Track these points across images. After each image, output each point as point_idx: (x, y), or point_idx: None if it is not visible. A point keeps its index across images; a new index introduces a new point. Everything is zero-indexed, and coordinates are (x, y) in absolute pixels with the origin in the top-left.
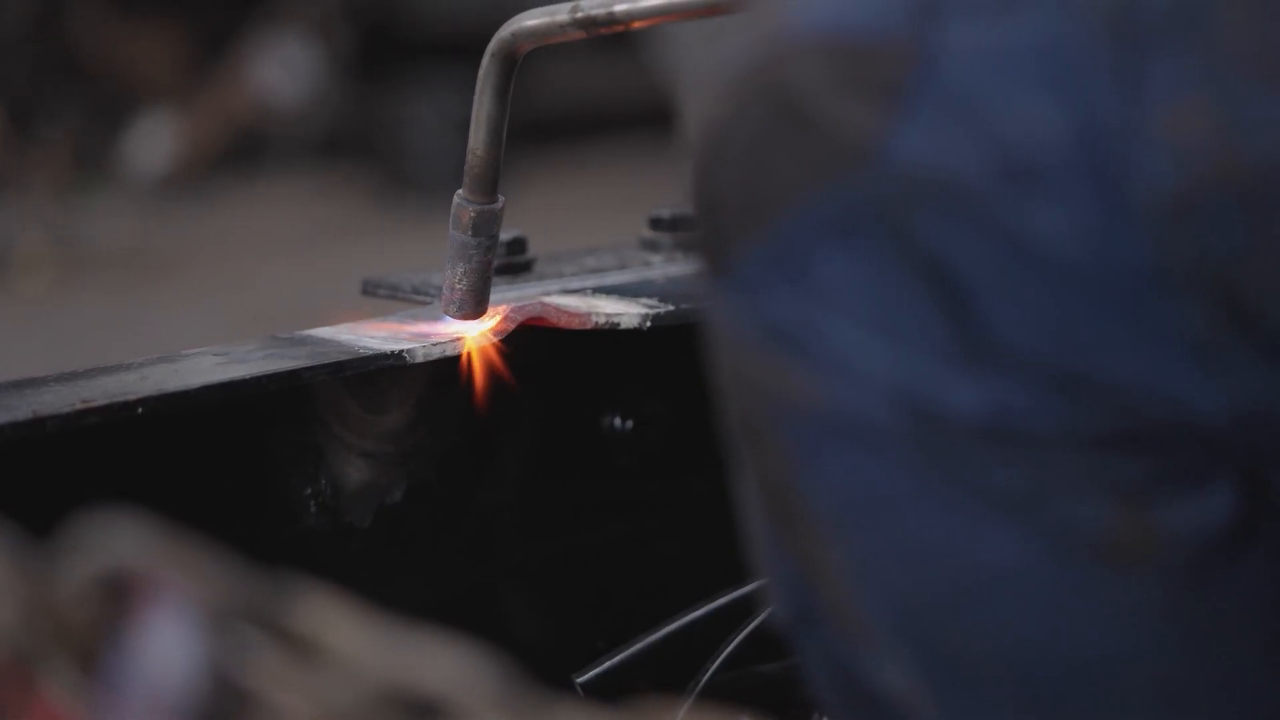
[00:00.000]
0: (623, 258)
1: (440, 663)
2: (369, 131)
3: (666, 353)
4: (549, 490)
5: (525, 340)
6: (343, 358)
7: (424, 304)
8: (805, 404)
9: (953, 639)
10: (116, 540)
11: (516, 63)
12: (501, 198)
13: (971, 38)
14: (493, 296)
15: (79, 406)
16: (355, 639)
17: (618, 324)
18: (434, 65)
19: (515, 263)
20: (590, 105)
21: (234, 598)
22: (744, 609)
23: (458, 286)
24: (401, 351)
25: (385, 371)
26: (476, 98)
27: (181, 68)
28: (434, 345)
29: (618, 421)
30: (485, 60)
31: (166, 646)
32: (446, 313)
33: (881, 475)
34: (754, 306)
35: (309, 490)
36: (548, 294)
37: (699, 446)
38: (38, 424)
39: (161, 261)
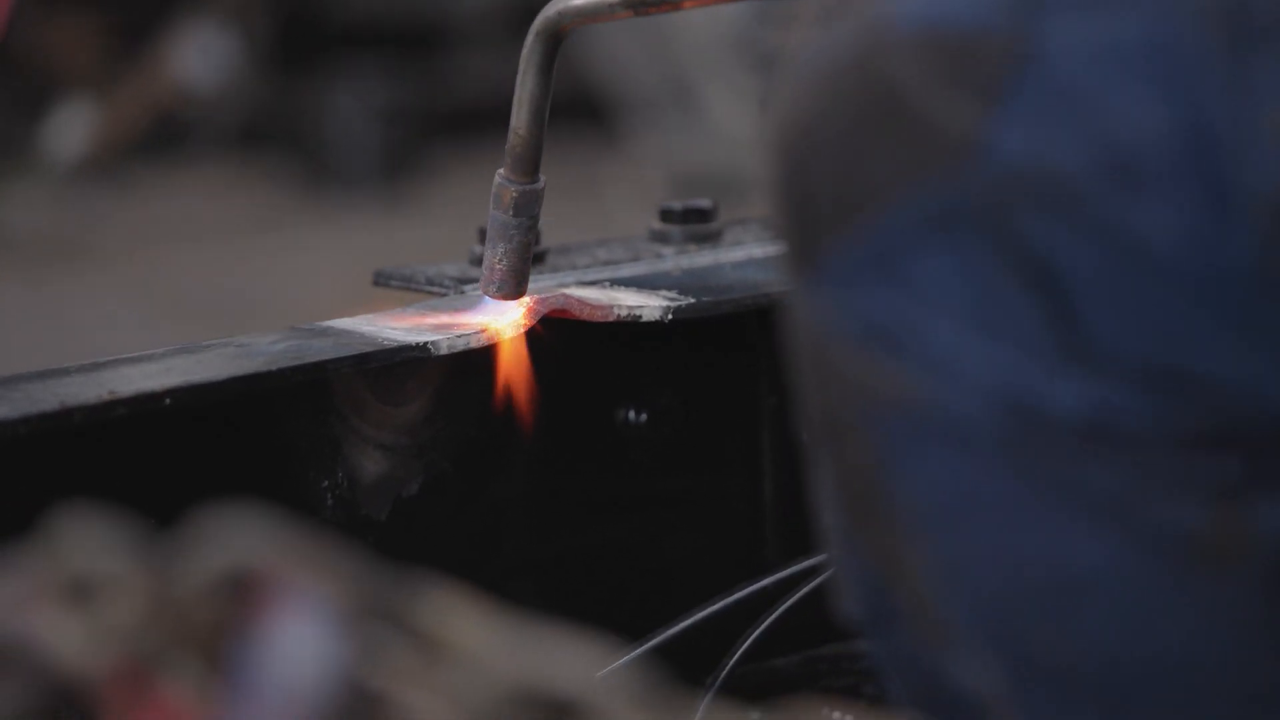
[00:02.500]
0: (634, 249)
1: (574, 661)
2: (290, 120)
3: (681, 345)
4: (563, 484)
5: (541, 332)
6: (367, 349)
7: (440, 295)
8: (899, 402)
9: (1039, 641)
10: (240, 536)
11: (561, 42)
12: (543, 178)
13: (1075, 32)
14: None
15: (107, 398)
16: (484, 637)
17: (639, 316)
18: (355, 54)
19: None
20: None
21: (361, 595)
22: (759, 603)
23: (498, 266)
24: (426, 343)
25: (403, 363)
26: (520, 77)
27: (100, 55)
28: (459, 337)
29: (632, 415)
30: (529, 39)
31: (296, 646)
32: (485, 292)
33: (975, 475)
34: (848, 302)
35: (326, 483)
36: (565, 286)
37: (713, 440)
38: (65, 415)
39: (79, 249)
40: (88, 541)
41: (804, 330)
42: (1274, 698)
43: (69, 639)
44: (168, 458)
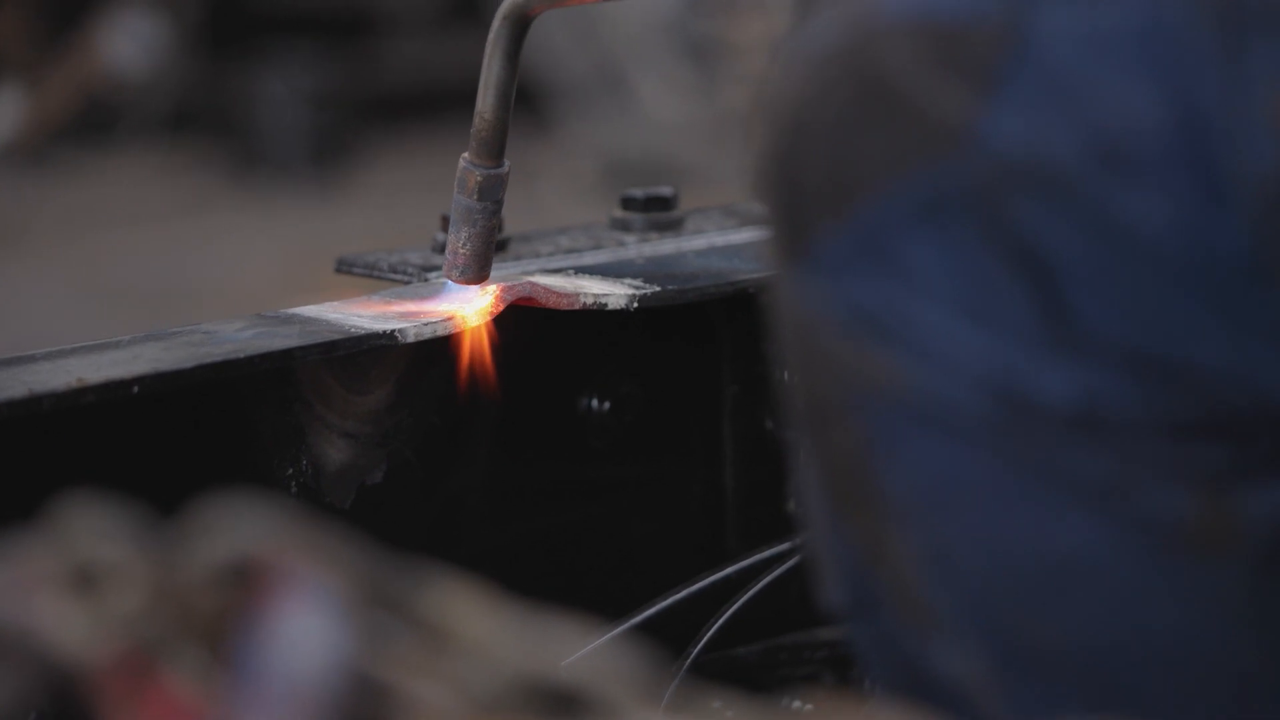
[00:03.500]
0: (596, 237)
1: (579, 650)
2: (220, 105)
3: (643, 333)
4: (525, 471)
5: (504, 320)
6: (335, 337)
7: (403, 282)
8: (888, 388)
9: (1026, 629)
10: (243, 524)
11: (528, 26)
12: (507, 162)
13: (1067, 21)
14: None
15: (75, 385)
16: (489, 627)
17: (605, 304)
18: (285, 39)
19: None
20: (440, 81)
21: (365, 584)
22: (721, 592)
23: (461, 251)
24: (393, 331)
25: (367, 351)
26: (486, 60)
27: (30, 40)
28: (425, 325)
29: (595, 403)
30: (496, 22)
31: (300, 635)
32: (449, 277)
33: (963, 462)
34: (837, 289)
35: (290, 470)
36: (528, 273)
37: (674, 428)
38: (34, 402)
39: (9, 234)
40: (90, 529)
41: (791, 316)
42: (1258, 684)
43: (71, 627)
44: (133, 445)
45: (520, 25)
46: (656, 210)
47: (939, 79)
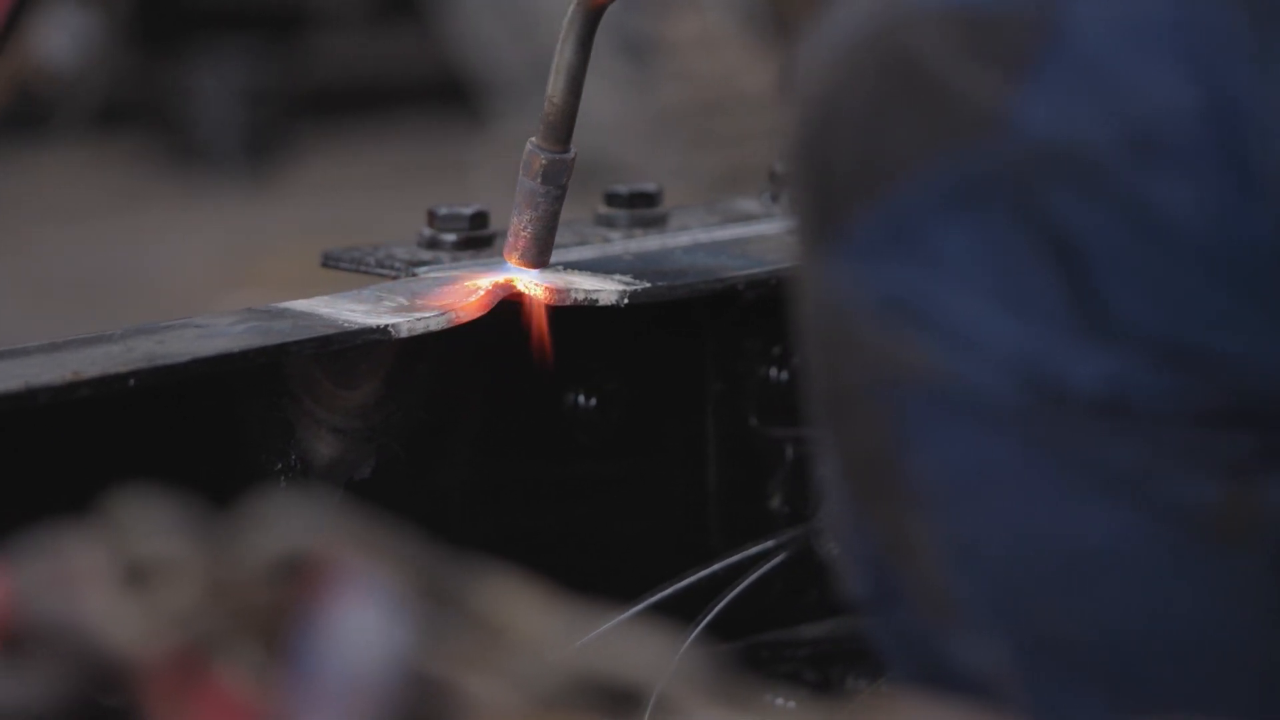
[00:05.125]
0: (581, 234)
1: (636, 648)
2: (152, 99)
3: (629, 330)
4: (511, 467)
5: (491, 316)
6: (329, 332)
7: (390, 278)
8: (917, 375)
9: (1050, 619)
10: (297, 520)
11: (601, 13)
12: (574, 149)
13: (1100, 8)
14: (462, 271)
15: (71, 378)
16: (543, 621)
17: (595, 300)
18: (217, 33)
19: (477, 237)
20: (374, 77)
21: (420, 579)
22: (704, 589)
23: (522, 234)
24: (387, 326)
25: (356, 347)
26: (559, 46)
27: None
28: (419, 320)
29: (581, 399)
30: (571, 9)
31: (357, 630)
32: (509, 259)
33: (991, 448)
34: (867, 275)
35: (279, 465)
36: (509, 267)
37: (659, 425)
38: (30, 395)
39: None
40: (144, 524)
41: (817, 303)
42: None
43: (123, 622)
44: (123, 438)
45: (594, 13)
46: (641, 207)
47: (971, 64)
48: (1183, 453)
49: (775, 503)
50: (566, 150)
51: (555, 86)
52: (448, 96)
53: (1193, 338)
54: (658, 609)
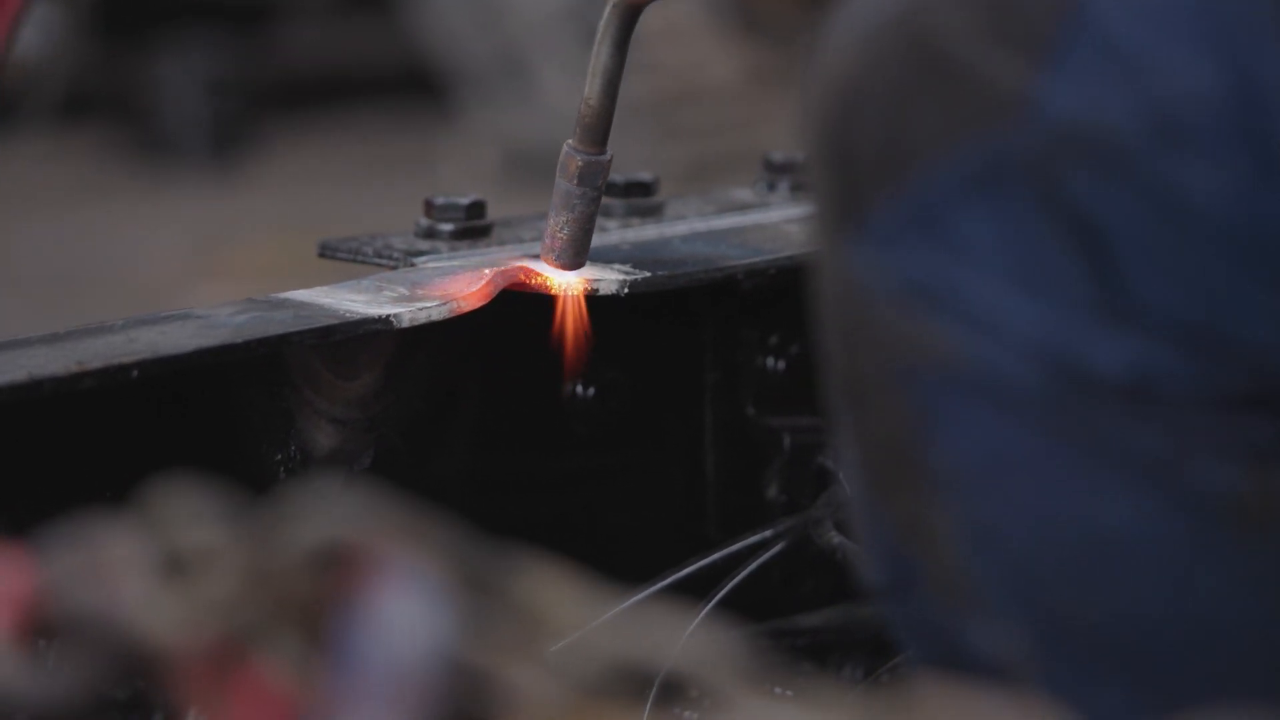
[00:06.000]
0: None
1: (677, 637)
2: (117, 91)
3: (628, 320)
4: (510, 457)
5: (490, 306)
6: (331, 322)
7: (389, 268)
8: (939, 360)
9: (1070, 605)
10: (337, 509)
11: (638, 15)
12: (610, 151)
13: None
14: (461, 261)
15: (75, 369)
16: (584, 611)
17: (597, 290)
18: (183, 24)
19: (474, 227)
20: (340, 68)
21: (461, 569)
22: (701, 579)
23: (559, 235)
24: (389, 316)
25: (355, 337)
26: (595, 47)
27: None
28: (420, 309)
29: (580, 389)
30: (607, 10)
31: (400, 620)
32: (544, 260)
33: (1014, 435)
34: (889, 261)
35: (279, 456)
36: (516, 259)
37: (658, 415)
38: (35, 385)
39: None
40: (183, 514)
41: (837, 288)
42: None
43: (161, 612)
44: (125, 429)
45: (630, 14)
46: (636, 196)
47: (995, 49)
48: (1205, 438)
49: (772, 492)
50: (603, 152)
51: (592, 88)
52: (414, 88)
53: (1216, 322)
54: (656, 598)
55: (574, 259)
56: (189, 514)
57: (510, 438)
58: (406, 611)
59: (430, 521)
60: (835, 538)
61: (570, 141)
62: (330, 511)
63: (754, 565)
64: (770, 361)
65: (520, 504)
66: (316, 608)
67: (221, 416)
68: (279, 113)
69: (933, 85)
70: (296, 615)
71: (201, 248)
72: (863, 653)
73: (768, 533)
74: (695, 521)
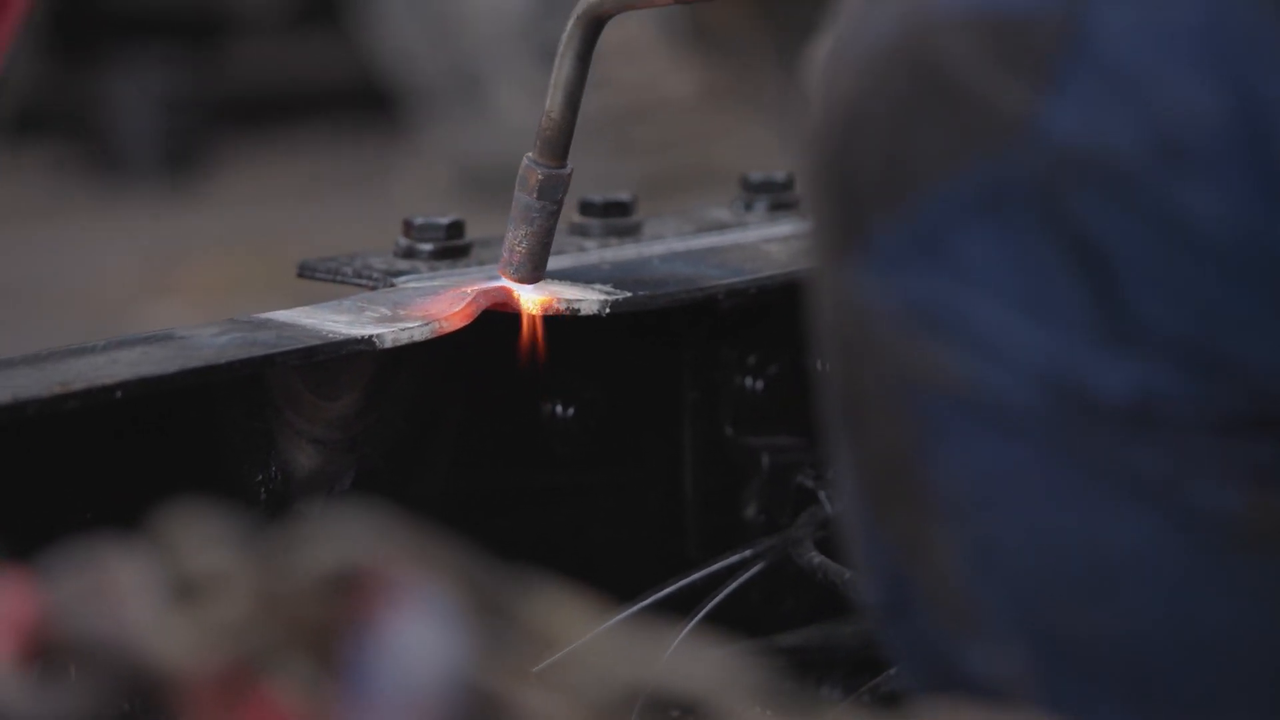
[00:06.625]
0: (556, 243)
1: (693, 661)
2: (70, 107)
3: (607, 339)
4: (490, 477)
5: (469, 325)
6: (314, 342)
7: (368, 288)
8: (942, 383)
9: (1072, 626)
10: (349, 533)
11: (601, 28)
12: (570, 165)
13: (1127, 14)
14: (443, 282)
15: (58, 390)
16: (599, 636)
17: (579, 310)
18: (136, 40)
19: (453, 247)
20: (293, 85)
21: (474, 592)
22: (681, 598)
23: (517, 249)
24: (371, 336)
25: (338, 357)
26: (557, 61)
27: None
28: (403, 330)
29: (559, 408)
30: (570, 23)
31: (414, 644)
32: (503, 274)
33: (1017, 458)
34: (892, 283)
35: (260, 477)
36: (497, 279)
37: (636, 434)
38: (19, 407)
39: None
40: (193, 537)
41: (838, 310)
42: None
43: (170, 636)
44: (104, 450)
45: (593, 27)
46: (615, 216)
47: (998, 71)
48: (1208, 460)
49: (751, 511)
50: (563, 165)
51: (553, 101)
52: (368, 105)
53: (1219, 345)
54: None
55: (532, 273)
56: (199, 537)
57: (490, 457)
58: (419, 635)
59: (441, 544)
60: (815, 557)
61: (530, 154)
62: (342, 535)
63: (735, 584)
64: (749, 381)
65: (500, 523)
66: (329, 632)
67: (202, 437)
68: (232, 129)
69: (935, 108)
70: (308, 639)
71: (155, 264)
72: (842, 672)
73: (748, 552)
74: (674, 540)
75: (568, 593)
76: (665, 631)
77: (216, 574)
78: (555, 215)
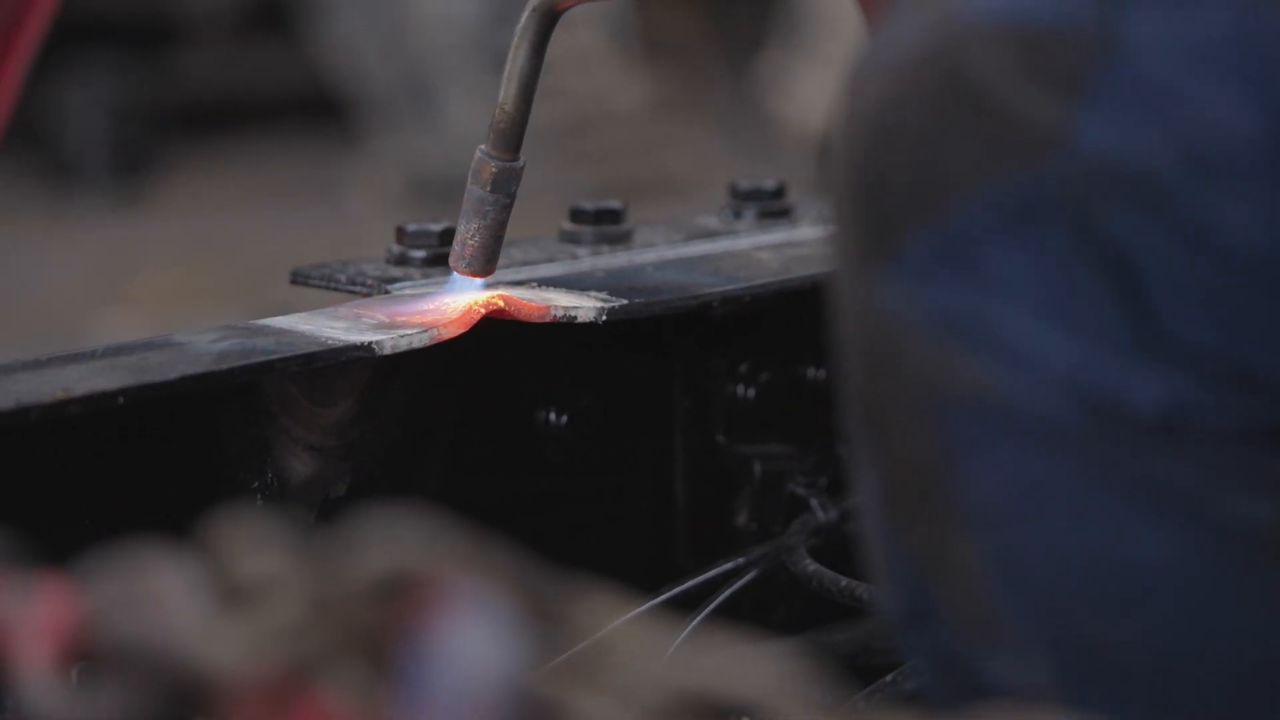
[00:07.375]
0: (548, 250)
1: (743, 666)
2: (19, 115)
3: (600, 347)
4: (484, 485)
5: (464, 333)
6: (313, 349)
7: (361, 295)
8: (972, 395)
9: (1098, 637)
10: (402, 538)
11: (556, 20)
12: (523, 158)
13: (1159, 28)
14: (436, 288)
15: (61, 396)
16: (647, 641)
17: (574, 317)
18: (85, 48)
19: (446, 254)
20: (244, 92)
21: (526, 597)
22: (681, 605)
23: (470, 242)
24: (370, 343)
25: (333, 364)
26: (511, 53)
27: None
28: (401, 336)
29: (553, 416)
30: (525, 15)
31: (467, 649)
32: (455, 267)
33: (1046, 469)
34: (919, 295)
35: (255, 483)
36: (492, 286)
37: (629, 442)
38: (22, 413)
39: None
40: (245, 543)
41: (863, 319)
42: None
43: (222, 642)
44: (105, 456)
45: (548, 19)
46: (606, 223)
47: (1029, 84)
48: (1237, 472)
49: (742, 519)
50: (516, 159)
51: (507, 93)
52: (319, 113)
53: (1249, 357)
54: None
55: (484, 266)
56: (250, 542)
57: (484, 464)
58: (473, 640)
59: (492, 548)
60: (810, 565)
61: (483, 147)
62: (394, 539)
63: (728, 592)
64: (741, 389)
65: (493, 529)
66: (381, 636)
67: (199, 443)
68: (182, 137)
69: (967, 120)
70: (361, 644)
71: (105, 274)
72: (832, 680)
73: (740, 560)
74: (666, 548)
75: (619, 599)
76: (718, 640)
77: (269, 579)
78: (508, 209)
